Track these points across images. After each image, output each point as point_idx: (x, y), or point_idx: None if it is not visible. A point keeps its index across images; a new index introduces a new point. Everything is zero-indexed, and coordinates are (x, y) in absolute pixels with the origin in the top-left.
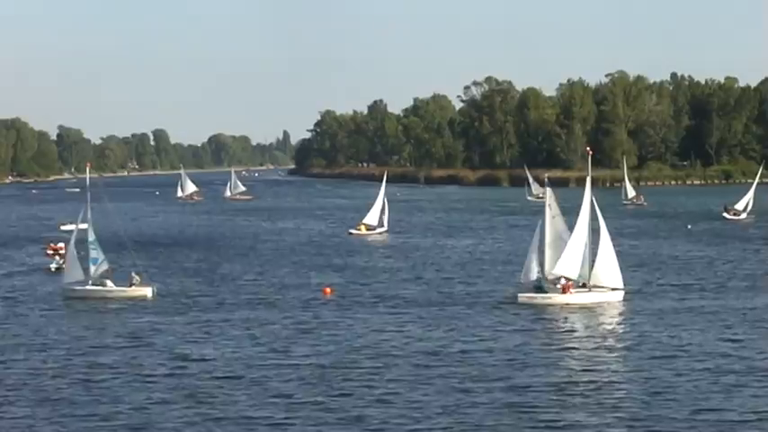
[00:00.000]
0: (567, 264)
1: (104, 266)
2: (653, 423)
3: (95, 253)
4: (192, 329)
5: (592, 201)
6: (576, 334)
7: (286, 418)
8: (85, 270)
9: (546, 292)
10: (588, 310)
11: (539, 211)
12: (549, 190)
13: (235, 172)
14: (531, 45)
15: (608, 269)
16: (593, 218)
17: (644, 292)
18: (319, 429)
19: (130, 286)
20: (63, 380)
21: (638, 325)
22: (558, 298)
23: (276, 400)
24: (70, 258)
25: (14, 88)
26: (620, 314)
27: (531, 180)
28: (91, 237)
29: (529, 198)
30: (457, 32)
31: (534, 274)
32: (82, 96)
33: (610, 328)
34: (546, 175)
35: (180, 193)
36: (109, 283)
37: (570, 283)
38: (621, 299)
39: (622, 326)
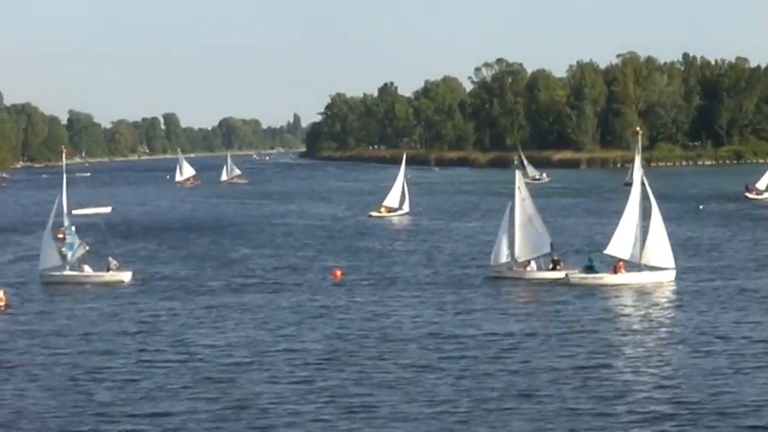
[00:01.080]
0: (620, 244)
1: (81, 251)
2: (669, 405)
3: (71, 238)
4: (200, 314)
5: (643, 181)
6: (599, 315)
7: (296, 403)
8: (62, 255)
9: (597, 272)
10: (632, 290)
11: (533, 193)
12: (518, 173)
13: (231, 156)
14: (541, 26)
15: (659, 249)
16: (644, 197)
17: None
18: (330, 413)
19: (108, 271)
20: (72, 367)
21: (669, 306)
22: (609, 278)
23: (286, 386)
24: (46, 244)
25: (25, 73)
26: (661, 295)
27: (525, 162)
28: (66, 222)
29: (525, 180)
30: (467, 14)
31: (504, 257)
32: (92, 81)
33: (644, 308)
34: (515, 157)
35: (179, 177)
36: (87, 267)
37: (622, 263)
38: (672, 279)
39: (654, 306)
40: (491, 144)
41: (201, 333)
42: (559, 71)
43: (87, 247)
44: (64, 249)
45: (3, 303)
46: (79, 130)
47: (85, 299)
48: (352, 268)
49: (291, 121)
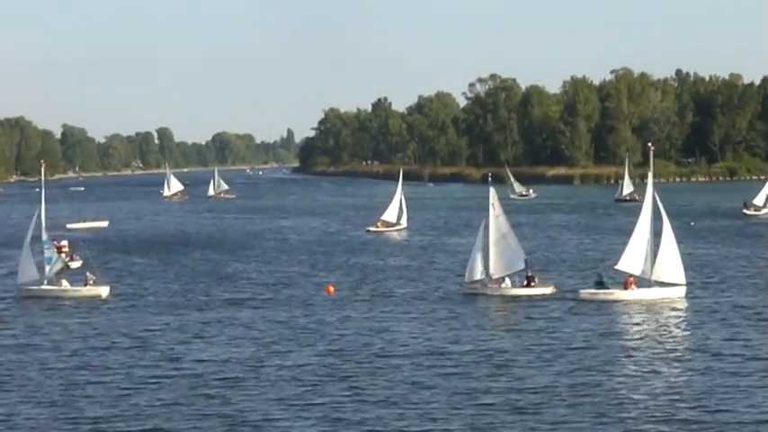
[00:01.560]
0: (631, 259)
1: (58, 266)
2: (667, 424)
3: (49, 252)
4: (192, 329)
5: (654, 197)
6: (596, 331)
7: (289, 419)
8: (40, 270)
9: (608, 288)
10: (640, 305)
11: (521, 209)
12: (491, 190)
13: (223, 171)
14: (535, 42)
15: (670, 265)
16: (657, 215)
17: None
18: (322, 430)
19: (85, 286)
20: (64, 383)
21: (677, 322)
22: (620, 294)
23: (278, 402)
24: (24, 259)
25: (18, 87)
26: (669, 311)
27: (512, 179)
28: (44, 236)
29: (512, 196)
30: (461, 30)
31: (479, 274)
32: (86, 95)
33: (649, 324)
34: (489, 173)
35: (166, 192)
36: (64, 282)
37: (632, 279)
38: (683, 295)
39: (659, 323)
40: (484, 160)
41: (193, 348)
42: (553, 87)
43: (81, 261)
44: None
45: None
46: (73, 144)
47: (75, 314)
48: (345, 284)
49: (285, 136)
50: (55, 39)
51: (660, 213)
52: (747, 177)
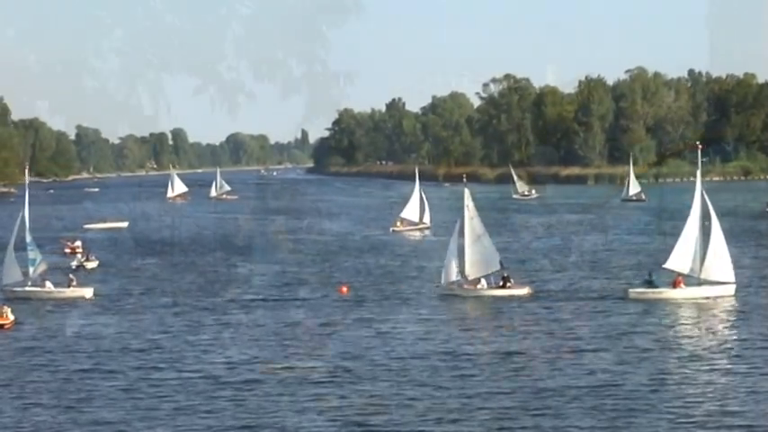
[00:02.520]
0: (679, 258)
1: (42, 267)
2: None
3: (33, 254)
4: (202, 331)
5: (703, 195)
6: (622, 331)
7: (301, 422)
8: (24, 271)
9: (657, 287)
10: (691, 304)
11: (524, 208)
12: (466, 191)
13: (229, 172)
14: (549, 42)
15: (719, 263)
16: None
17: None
18: None
19: (69, 287)
20: (76, 385)
21: (724, 321)
22: (669, 293)
23: (289, 404)
24: (8, 260)
25: (32, 88)
26: (715, 310)
27: (515, 179)
28: (28, 238)
29: (514, 196)
30: (474, 30)
31: (454, 275)
32: (100, 96)
33: (695, 323)
34: (464, 174)
35: (170, 193)
36: (48, 283)
37: (681, 277)
38: (732, 293)
39: (707, 322)
40: (499, 160)
41: (203, 351)
42: (567, 87)
43: (97, 261)
44: (74, 263)
45: (8, 322)
46: (87, 145)
47: (80, 315)
48: (358, 284)
49: (299, 136)
50: (67, 40)
51: (708, 211)
52: (762, 177)
